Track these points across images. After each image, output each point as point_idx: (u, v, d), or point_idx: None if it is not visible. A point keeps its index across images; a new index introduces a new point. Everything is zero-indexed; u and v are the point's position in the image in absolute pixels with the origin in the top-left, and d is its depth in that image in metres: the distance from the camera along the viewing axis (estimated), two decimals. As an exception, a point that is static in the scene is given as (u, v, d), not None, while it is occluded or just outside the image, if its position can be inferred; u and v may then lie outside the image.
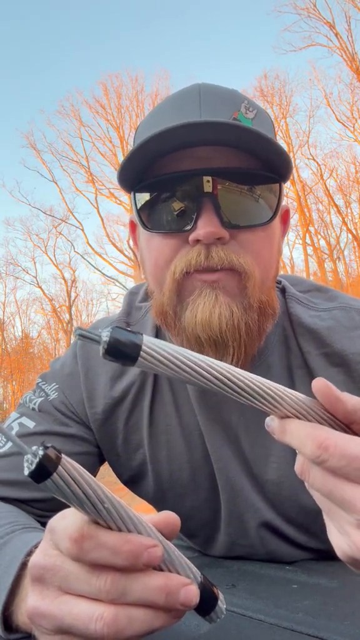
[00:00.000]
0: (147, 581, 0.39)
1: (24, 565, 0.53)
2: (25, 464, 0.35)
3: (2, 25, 33.65)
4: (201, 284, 0.68)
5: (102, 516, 0.39)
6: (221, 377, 0.42)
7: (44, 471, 0.35)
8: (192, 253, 0.68)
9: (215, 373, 0.42)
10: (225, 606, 0.44)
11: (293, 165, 0.71)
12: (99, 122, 23.42)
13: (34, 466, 0.35)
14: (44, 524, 0.79)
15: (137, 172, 0.72)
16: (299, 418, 0.44)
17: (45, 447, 0.36)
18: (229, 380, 0.42)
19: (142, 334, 0.40)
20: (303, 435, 0.41)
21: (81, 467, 0.38)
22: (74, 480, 0.37)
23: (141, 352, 0.39)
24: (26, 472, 0.35)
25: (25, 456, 0.36)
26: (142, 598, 0.39)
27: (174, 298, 0.71)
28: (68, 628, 0.40)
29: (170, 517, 0.44)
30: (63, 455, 0.37)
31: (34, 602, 0.42)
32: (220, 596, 0.44)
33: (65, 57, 34.35)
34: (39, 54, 34.68)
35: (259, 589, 0.68)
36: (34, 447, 0.36)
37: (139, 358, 0.39)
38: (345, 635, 0.51)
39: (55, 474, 0.36)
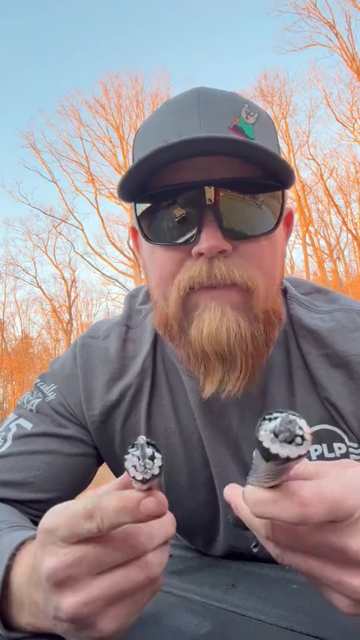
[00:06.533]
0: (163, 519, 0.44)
1: (9, 568, 0.54)
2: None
3: (2, 25, 33.67)
4: (205, 300, 0.68)
5: None
6: None
7: None
8: (194, 268, 0.67)
9: None
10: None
11: (295, 174, 0.70)
12: (98, 122, 23.47)
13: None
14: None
15: (137, 184, 0.70)
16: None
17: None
18: None
19: None
20: (282, 497, 0.39)
21: None
22: None
23: None
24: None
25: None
26: (166, 535, 0.45)
27: (179, 312, 0.70)
28: (121, 594, 0.44)
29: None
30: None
31: (71, 602, 0.43)
32: None
33: (65, 57, 34.43)
34: (39, 54, 34.74)
35: (259, 589, 0.68)
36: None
37: None
38: (345, 635, 0.51)
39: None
